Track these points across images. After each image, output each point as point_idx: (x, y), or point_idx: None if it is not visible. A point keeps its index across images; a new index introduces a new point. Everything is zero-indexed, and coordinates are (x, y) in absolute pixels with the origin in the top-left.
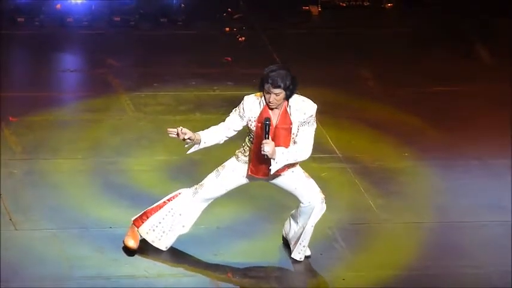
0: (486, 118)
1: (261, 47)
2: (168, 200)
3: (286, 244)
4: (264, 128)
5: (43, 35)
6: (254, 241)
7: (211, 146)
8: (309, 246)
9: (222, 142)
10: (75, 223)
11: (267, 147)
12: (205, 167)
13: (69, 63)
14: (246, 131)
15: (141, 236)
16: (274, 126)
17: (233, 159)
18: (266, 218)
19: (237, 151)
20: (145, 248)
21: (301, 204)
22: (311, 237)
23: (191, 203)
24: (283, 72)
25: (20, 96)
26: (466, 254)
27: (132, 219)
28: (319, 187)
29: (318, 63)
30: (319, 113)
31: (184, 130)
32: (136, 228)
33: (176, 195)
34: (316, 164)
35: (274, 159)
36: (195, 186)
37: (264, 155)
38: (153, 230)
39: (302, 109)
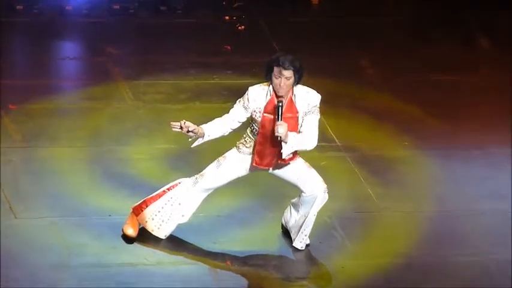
0: (486, 107)
1: (260, 35)
2: (168, 189)
3: (286, 232)
4: (277, 109)
5: (42, 23)
6: (253, 229)
7: (216, 138)
8: (308, 235)
9: (227, 134)
10: (75, 211)
11: (281, 128)
12: (204, 155)
13: (69, 51)
14: (247, 121)
15: (140, 224)
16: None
17: (234, 150)
18: (265, 207)
19: (238, 142)
20: (144, 236)
21: (303, 194)
22: None
23: (191, 192)
24: (291, 56)
25: (19, 84)
26: (465, 242)
27: (132, 207)
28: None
29: (317, 52)
30: None
31: (188, 123)
32: (135, 217)
33: (176, 185)
34: (315, 153)
35: (286, 142)
36: (196, 176)
37: (278, 136)
38: (152, 219)
39: (306, 99)
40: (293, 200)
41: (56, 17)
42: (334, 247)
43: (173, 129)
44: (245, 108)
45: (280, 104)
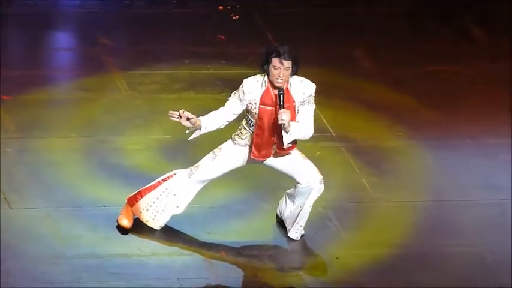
0: (480, 97)
1: (255, 25)
2: (163, 180)
3: (280, 223)
4: (279, 97)
5: (36, 14)
6: (248, 220)
7: (213, 131)
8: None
9: (223, 127)
10: (69, 202)
11: (285, 115)
12: (200, 146)
13: (63, 42)
14: (243, 113)
15: (134, 215)
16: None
17: (230, 142)
18: (260, 198)
19: (233, 134)
20: (139, 226)
21: (298, 185)
22: None
23: (186, 184)
24: (289, 46)
25: (13, 75)
26: (459, 232)
27: (127, 198)
28: None
29: (312, 42)
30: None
31: (186, 112)
32: (130, 207)
33: (171, 176)
34: (309, 143)
35: (288, 131)
36: (191, 167)
37: (281, 124)
38: (147, 210)
39: (301, 89)
40: (288, 191)
41: (50, 8)
42: (328, 237)
43: (171, 118)
44: (241, 100)
45: (282, 92)
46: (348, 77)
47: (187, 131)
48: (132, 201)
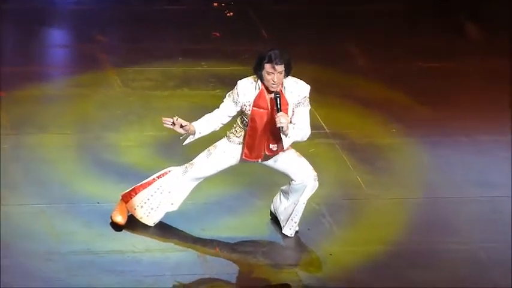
0: (475, 94)
1: (249, 22)
2: (158, 177)
3: (274, 219)
4: (276, 101)
5: (31, 10)
6: (242, 216)
7: (208, 134)
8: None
9: (218, 129)
10: (63, 198)
11: (283, 118)
12: (194, 143)
13: (57, 39)
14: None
15: (129, 212)
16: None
17: (224, 140)
18: (254, 194)
19: (228, 132)
20: (133, 223)
21: (293, 182)
22: None
23: (181, 181)
24: (279, 50)
25: (8, 71)
26: (454, 229)
27: (121, 194)
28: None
29: (307, 39)
30: None
31: (180, 120)
32: (124, 204)
33: (166, 173)
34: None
35: (287, 133)
36: (185, 165)
37: (280, 127)
38: (141, 207)
39: (296, 91)
40: (283, 188)
41: (45, 4)
42: (322, 234)
43: (165, 125)
44: (235, 102)
45: (278, 96)
46: (342, 74)
47: (181, 137)
48: (127, 198)
